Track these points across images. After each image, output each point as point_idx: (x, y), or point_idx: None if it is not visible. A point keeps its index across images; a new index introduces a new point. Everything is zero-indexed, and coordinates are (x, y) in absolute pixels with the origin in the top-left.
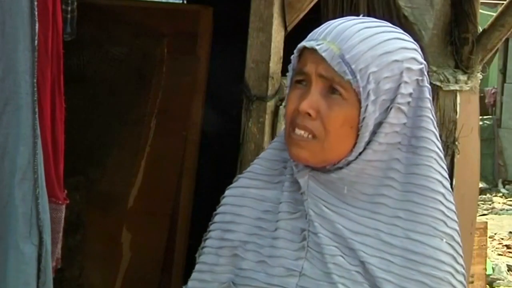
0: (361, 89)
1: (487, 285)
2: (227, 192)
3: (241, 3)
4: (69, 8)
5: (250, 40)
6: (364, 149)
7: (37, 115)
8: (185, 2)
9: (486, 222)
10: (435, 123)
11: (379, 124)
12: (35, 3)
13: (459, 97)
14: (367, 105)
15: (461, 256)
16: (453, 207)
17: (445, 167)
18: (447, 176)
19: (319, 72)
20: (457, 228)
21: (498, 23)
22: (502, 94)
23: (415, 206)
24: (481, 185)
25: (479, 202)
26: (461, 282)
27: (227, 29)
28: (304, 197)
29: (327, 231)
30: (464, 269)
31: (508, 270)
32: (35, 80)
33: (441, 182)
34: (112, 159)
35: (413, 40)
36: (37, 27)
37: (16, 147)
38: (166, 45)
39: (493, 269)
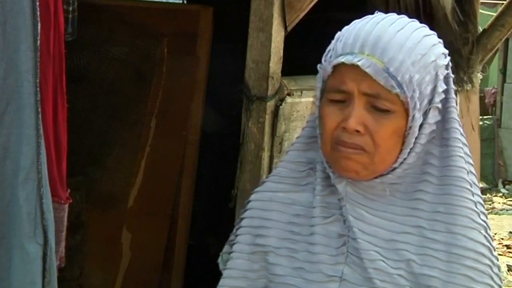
0: (409, 99)
1: None
2: (253, 197)
3: (241, 3)
4: (70, 8)
5: (250, 40)
6: (408, 153)
7: (40, 115)
8: (185, 2)
9: None
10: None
11: (420, 126)
12: (37, 3)
13: (459, 97)
14: (414, 114)
15: (494, 249)
16: (480, 200)
17: (470, 160)
18: (472, 169)
19: (363, 90)
20: (487, 220)
21: (498, 23)
22: (502, 94)
23: (453, 199)
24: (481, 185)
25: None
26: (497, 275)
27: (227, 29)
28: (343, 202)
29: (367, 235)
30: (498, 260)
31: (508, 270)
32: (37, 80)
33: (467, 170)
34: (112, 159)
35: (432, 32)
36: (39, 27)
37: (19, 147)
38: (166, 45)
39: None
